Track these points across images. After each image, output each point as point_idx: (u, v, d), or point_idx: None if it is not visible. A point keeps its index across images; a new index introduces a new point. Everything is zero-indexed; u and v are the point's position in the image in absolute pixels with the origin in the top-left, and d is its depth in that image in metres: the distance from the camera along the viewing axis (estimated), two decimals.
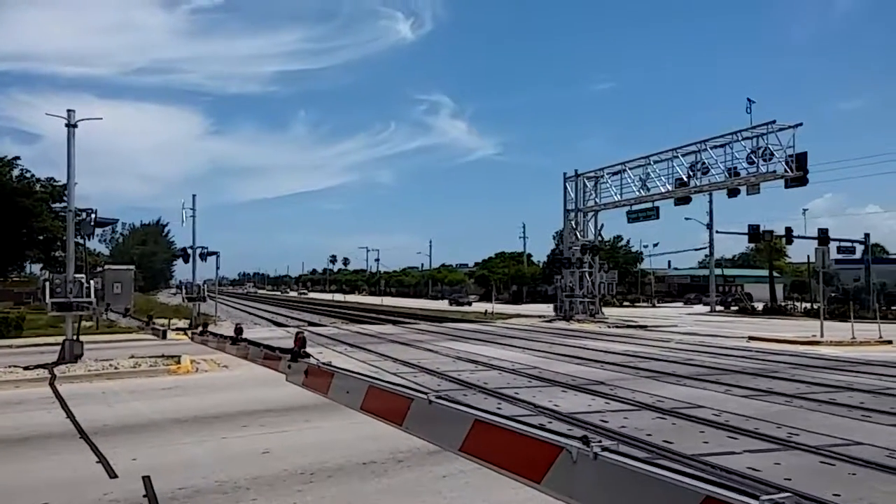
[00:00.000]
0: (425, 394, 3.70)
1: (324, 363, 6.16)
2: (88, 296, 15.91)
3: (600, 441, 2.47)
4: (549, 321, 39.94)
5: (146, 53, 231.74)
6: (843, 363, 17.66)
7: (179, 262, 40.47)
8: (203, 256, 34.52)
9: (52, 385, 13.13)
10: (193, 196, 34.47)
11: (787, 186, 32.02)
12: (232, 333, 18.28)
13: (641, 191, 38.40)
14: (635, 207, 40.13)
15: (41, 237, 46.67)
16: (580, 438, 2.55)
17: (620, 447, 2.29)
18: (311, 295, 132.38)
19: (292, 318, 54.57)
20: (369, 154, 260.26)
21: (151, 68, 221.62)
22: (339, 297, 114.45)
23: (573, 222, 43.51)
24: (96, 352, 17.17)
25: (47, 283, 15.83)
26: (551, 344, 23.43)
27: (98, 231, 21.33)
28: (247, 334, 18.77)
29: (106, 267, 47.75)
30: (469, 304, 68.63)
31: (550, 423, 9.19)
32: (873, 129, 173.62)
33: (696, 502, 1.98)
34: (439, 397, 3.68)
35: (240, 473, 6.86)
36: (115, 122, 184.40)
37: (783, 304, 56.89)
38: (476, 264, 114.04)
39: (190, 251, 34.18)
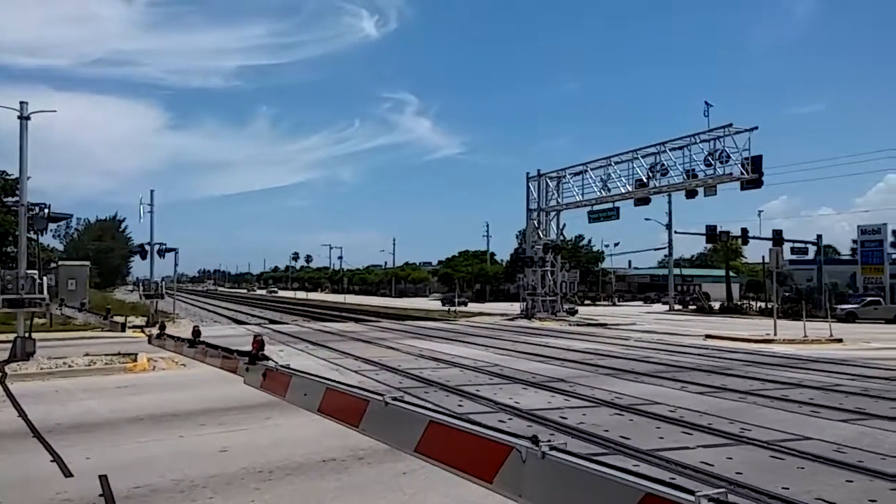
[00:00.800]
0: (381, 395, 3.71)
1: (282, 365, 6.11)
2: (41, 292, 15.53)
3: (549, 440, 2.52)
4: (512, 319, 40.25)
5: (104, 45, 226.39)
6: (795, 361, 18.16)
7: (137, 258, 39.87)
8: (161, 253, 33.91)
9: (2, 383, 12.78)
10: (151, 191, 33.95)
11: (743, 188, 32.76)
12: (190, 335, 17.94)
13: (602, 191, 38.91)
14: (596, 207, 40.64)
15: None
16: (529, 438, 2.61)
17: (568, 446, 2.35)
18: (258, 291, 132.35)
19: (253, 315, 54.00)
20: (333, 151, 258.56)
21: (109, 60, 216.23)
22: (301, 294, 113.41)
23: (536, 222, 43.87)
24: (50, 349, 16.76)
25: None
26: (513, 342, 23.61)
27: (52, 226, 20.80)
28: (207, 333, 18.45)
29: (60, 263, 46.59)
30: (465, 304, 63.32)
31: (511, 419, 9.31)
32: (827, 134, 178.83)
33: (637, 499, 2.06)
34: (395, 399, 3.70)
35: (197, 472, 6.79)
36: (72, 114, 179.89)
37: (739, 303, 58.26)
38: (440, 262, 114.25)
39: (148, 247, 33.57)
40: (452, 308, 48.13)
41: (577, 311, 45.59)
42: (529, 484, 2.61)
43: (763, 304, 51.61)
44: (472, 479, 2.90)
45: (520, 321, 38.96)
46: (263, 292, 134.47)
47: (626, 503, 2.07)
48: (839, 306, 44.64)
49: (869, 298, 44.39)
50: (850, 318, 42.64)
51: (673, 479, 5.13)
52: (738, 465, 7.05)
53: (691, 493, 1.97)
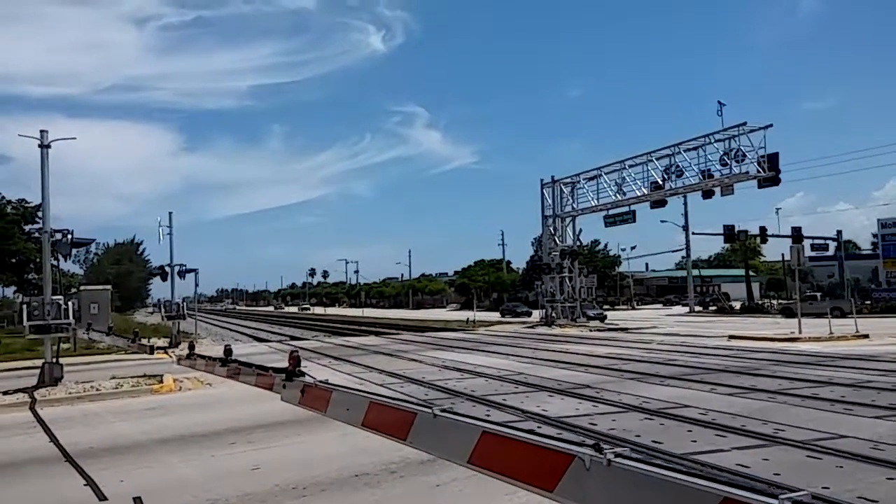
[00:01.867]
0: (430, 407, 3.70)
1: (320, 381, 6.11)
2: (67, 317, 15.67)
3: (613, 448, 2.49)
4: (531, 327, 40.09)
5: (117, 71, 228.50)
6: (823, 358, 17.93)
7: (156, 280, 40.18)
8: (181, 274, 34.15)
9: (32, 409, 12.89)
10: (170, 213, 34.14)
11: (759, 186, 32.52)
12: (218, 352, 18.04)
13: (618, 195, 38.76)
14: (612, 212, 40.49)
15: (13, 260, 45.95)
16: (592, 446, 2.58)
17: (633, 453, 2.31)
18: (287, 309, 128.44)
19: (273, 332, 54.20)
20: (345, 166, 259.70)
21: (122, 86, 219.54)
22: (319, 310, 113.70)
23: (551, 228, 43.77)
24: (76, 374, 16.91)
25: (24, 306, 15.57)
26: (535, 349, 23.51)
27: (72, 252, 21.02)
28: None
29: (82, 288, 47.14)
30: (528, 314, 55.90)
31: (540, 427, 9.23)
32: (842, 129, 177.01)
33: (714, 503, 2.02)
34: (444, 410, 3.68)
35: (231, 491, 6.79)
36: (87, 141, 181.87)
37: (760, 302, 57.74)
38: (456, 273, 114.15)
39: (168, 269, 33.81)
40: (471, 319, 48.01)
41: (605, 317, 45.32)
42: (594, 492, 2.58)
43: (784, 303, 51.09)
44: (532, 488, 2.88)
45: (540, 328, 38.80)
46: (294, 310, 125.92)
47: None
48: (776, 301, 45.33)
49: (808, 293, 44.09)
50: (785, 312, 44.00)
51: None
52: (775, 467, 6.95)
53: (773, 496, 1.93)
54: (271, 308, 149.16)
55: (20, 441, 10.02)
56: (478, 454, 3.29)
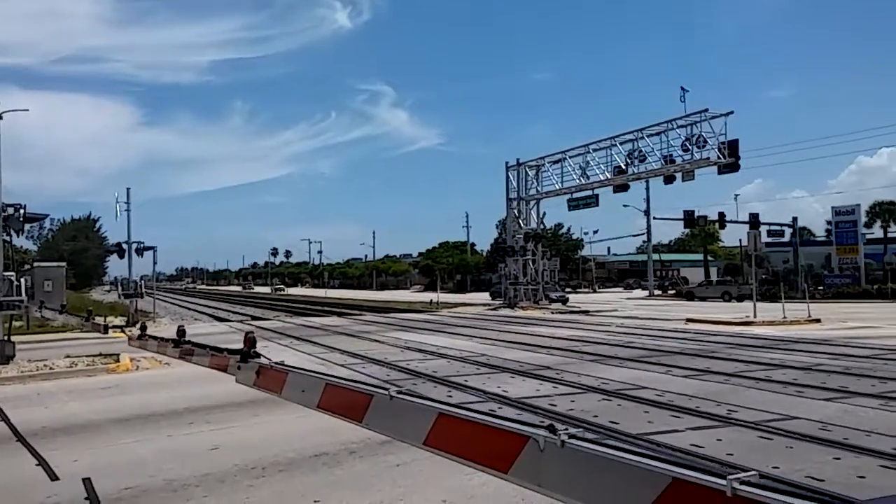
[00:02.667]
0: (386, 389, 3.69)
1: (276, 362, 6.04)
2: (19, 294, 15.26)
3: (567, 428, 2.51)
4: (494, 309, 40.35)
5: (73, 42, 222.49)
6: (777, 342, 18.40)
7: (113, 258, 39.43)
8: (139, 251, 33.46)
9: None
10: (127, 189, 33.41)
11: (720, 173, 33.04)
12: (174, 335, 17.69)
13: (581, 179, 39.05)
14: (576, 195, 40.77)
15: None
16: (547, 427, 2.59)
17: (587, 434, 2.34)
18: (257, 289, 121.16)
19: (234, 312, 53.62)
20: (310, 144, 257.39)
21: (79, 57, 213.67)
22: (266, 289, 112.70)
23: (516, 211, 43.95)
24: (29, 352, 16.50)
25: None
26: (498, 331, 23.66)
27: (26, 227, 20.41)
28: (190, 331, 18.33)
29: (35, 264, 45.85)
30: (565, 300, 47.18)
31: (500, 408, 9.31)
32: (800, 117, 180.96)
33: (664, 484, 2.05)
34: (400, 392, 3.67)
35: (188, 471, 6.72)
36: (42, 113, 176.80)
37: None
38: (420, 254, 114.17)
39: (125, 246, 33.11)
40: (434, 301, 48.11)
41: (567, 299, 45.79)
42: (548, 473, 2.60)
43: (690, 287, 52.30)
44: (487, 469, 2.89)
45: (502, 310, 39.07)
46: (265, 290, 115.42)
47: (652, 489, 2.06)
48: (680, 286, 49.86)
49: (705, 280, 51.59)
50: (689, 296, 51.02)
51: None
52: (728, 447, 7.13)
53: (722, 476, 1.97)
54: (238, 288, 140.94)
55: None
56: (434, 436, 3.30)
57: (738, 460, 6.43)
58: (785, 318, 25.36)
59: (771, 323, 24.71)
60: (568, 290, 61.88)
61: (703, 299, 48.42)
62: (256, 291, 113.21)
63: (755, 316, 25.95)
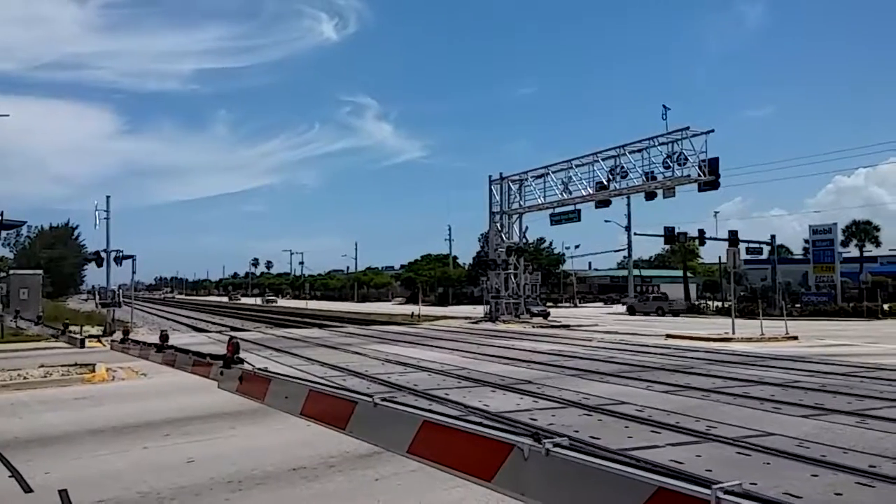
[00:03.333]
0: (370, 396, 3.66)
1: (260, 368, 5.99)
2: None
3: (552, 438, 2.50)
4: (476, 322, 40.32)
5: (55, 48, 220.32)
6: (755, 358, 18.55)
7: (91, 266, 38.81)
8: (118, 260, 33.08)
9: None
10: (107, 198, 33.09)
11: (700, 190, 33.41)
12: (155, 341, 17.53)
13: (564, 194, 39.27)
14: (558, 210, 40.98)
15: None
16: (531, 436, 2.59)
17: (572, 443, 2.33)
18: (244, 300, 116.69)
19: (213, 322, 53.09)
20: (293, 155, 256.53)
21: (61, 63, 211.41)
22: (261, 301, 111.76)
23: (498, 224, 44.07)
24: (2, 361, 16.24)
25: None
26: (479, 345, 23.65)
27: (2, 234, 20.13)
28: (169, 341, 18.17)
29: (11, 272, 45.18)
30: (680, 312, 51.46)
31: (481, 422, 9.28)
32: (778, 137, 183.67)
33: (648, 493, 2.04)
34: (385, 399, 3.66)
35: (163, 484, 6.61)
36: (22, 119, 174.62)
37: (697, 303, 59.38)
38: (402, 267, 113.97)
39: (103, 255, 32.73)
40: (416, 313, 48.00)
41: (549, 314, 45.92)
42: (533, 482, 2.59)
43: (720, 304, 52.71)
44: (471, 478, 2.88)
45: (484, 324, 39.06)
46: (254, 301, 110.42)
47: (637, 498, 2.06)
48: (712, 302, 51.65)
49: (653, 294, 54.70)
50: (630, 310, 55.38)
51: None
52: (707, 463, 7.16)
53: (707, 486, 1.97)
54: (223, 299, 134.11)
55: None
56: (418, 443, 3.28)
57: (717, 476, 6.44)
58: (763, 334, 25.59)
59: (749, 339, 24.92)
60: (549, 304, 62.12)
61: (644, 313, 52.53)
62: (242, 303, 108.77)
63: (734, 332, 26.17)
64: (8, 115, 16.11)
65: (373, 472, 6.79)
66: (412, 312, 49.85)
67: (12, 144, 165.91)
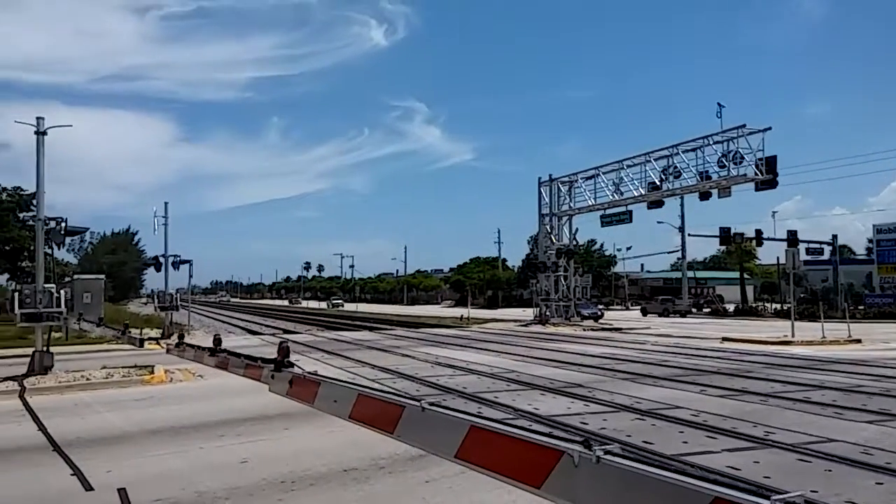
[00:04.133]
0: (418, 401, 3.65)
1: (309, 372, 6.05)
2: (59, 306, 15.59)
3: (603, 444, 2.45)
4: (525, 325, 40.08)
5: (116, 60, 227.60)
6: (815, 362, 17.95)
7: (150, 271, 40.18)
8: (175, 265, 34.07)
9: (21, 397, 12.82)
10: (165, 204, 34.12)
11: (757, 189, 32.54)
12: (209, 344, 17.94)
13: (615, 195, 38.75)
14: (609, 211, 40.46)
15: (7, 247, 45.70)
16: (581, 442, 2.53)
17: (624, 450, 2.27)
18: (306, 304, 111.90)
19: (266, 325, 54.08)
20: (343, 160, 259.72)
21: (121, 75, 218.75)
22: (313, 304, 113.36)
23: (548, 227, 43.75)
24: (67, 363, 16.84)
25: (16, 294, 15.49)
26: (528, 347, 23.50)
27: (66, 241, 20.92)
28: (223, 344, 18.55)
29: (75, 276, 46.87)
30: (686, 312, 55.17)
31: (531, 425, 9.21)
32: (840, 134, 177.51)
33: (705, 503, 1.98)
34: (432, 404, 3.64)
35: (218, 484, 6.75)
36: (84, 130, 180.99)
37: (754, 305, 57.84)
38: (451, 270, 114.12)
39: (162, 260, 33.73)
40: (465, 316, 47.96)
41: (602, 315, 45.41)
42: (583, 490, 2.54)
43: (778, 306, 51.25)
44: (519, 484, 2.83)
45: (533, 327, 38.79)
46: (322, 305, 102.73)
47: None
48: (770, 304, 50.18)
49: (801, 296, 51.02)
50: (643, 311, 57.89)
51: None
52: (765, 469, 6.94)
53: (766, 496, 1.89)
54: (281, 302, 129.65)
55: (8, 429, 9.95)
56: (465, 449, 3.24)
57: (776, 483, 6.27)
58: (824, 337, 24.74)
59: (810, 343, 24.13)
60: (600, 306, 61.37)
61: (657, 314, 55.34)
62: (304, 307, 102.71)
63: (793, 336, 25.37)
64: (71, 126, 16.69)
65: (423, 474, 6.81)
66: (461, 315, 49.85)
67: (76, 154, 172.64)
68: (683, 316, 53.80)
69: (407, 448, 7.31)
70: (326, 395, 5.01)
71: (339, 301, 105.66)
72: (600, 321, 42.48)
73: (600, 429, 9.04)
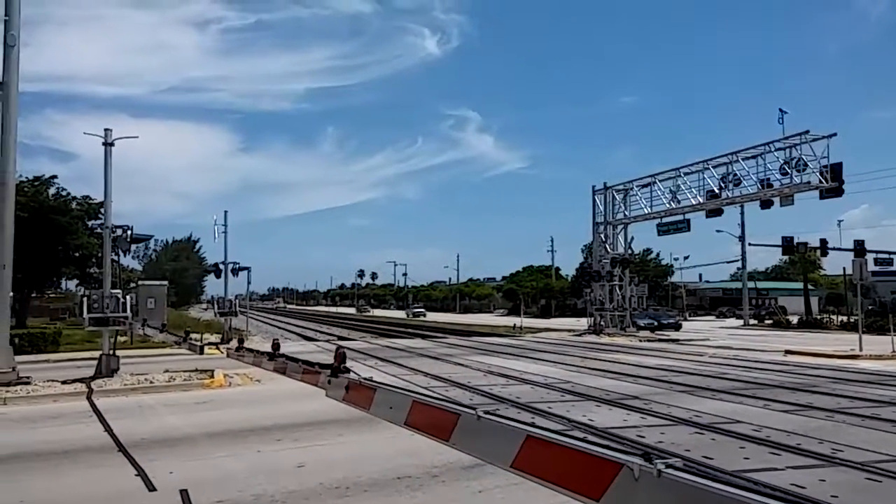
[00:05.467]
0: (473, 409, 3.64)
1: (365, 378, 6.12)
2: (124, 311, 16.16)
3: (664, 458, 2.39)
4: (579, 335, 39.60)
5: (178, 72, 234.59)
6: (885, 377, 17.20)
7: (210, 277, 41.17)
8: (235, 272, 34.97)
9: (89, 399, 13.32)
10: (225, 212, 35.12)
11: (821, 197, 31.43)
12: (268, 349, 18.38)
13: (672, 203, 37.99)
14: (665, 220, 39.66)
15: (76, 254, 47.52)
16: (642, 455, 2.48)
17: (686, 465, 2.20)
18: (379, 312, 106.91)
19: (321, 332, 54.89)
20: (397, 169, 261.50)
21: (183, 87, 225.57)
22: (408, 314, 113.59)
23: (602, 235, 43.20)
24: (131, 366, 17.42)
25: (85, 299, 16.12)
26: (582, 358, 23.20)
27: (132, 247, 21.69)
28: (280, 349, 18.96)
29: (140, 283, 48.58)
30: (677, 326, 47.86)
31: (586, 437, 9.08)
32: None
33: None
34: (488, 412, 3.63)
35: (275, 487, 6.86)
36: (148, 140, 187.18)
37: (819, 317, 55.76)
38: (504, 278, 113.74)
39: (222, 266, 34.65)
40: (518, 325, 47.69)
41: (681, 326, 44.20)
42: (643, 503, 2.49)
43: (845, 318, 49.28)
44: (577, 496, 2.80)
45: (588, 337, 38.30)
46: (402, 315, 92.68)
47: None
48: (836, 317, 46.82)
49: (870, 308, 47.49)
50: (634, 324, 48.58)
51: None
52: (832, 488, 6.68)
53: None
54: (343, 310, 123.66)
55: (77, 430, 10.34)
56: (522, 458, 3.21)
57: (844, 503, 6.02)
58: (894, 352, 23.69)
59: (879, 357, 23.14)
60: (678, 317, 59.47)
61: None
62: (375, 315, 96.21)
63: (861, 349, 24.38)
64: (137, 137, 17.32)
65: (476, 484, 6.77)
66: (514, 324, 49.59)
67: (140, 164, 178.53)
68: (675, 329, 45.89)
69: (460, 457, 7.31)
70: (382, 402, 5.07)
71: (422, 310, 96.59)
72: (658, 333, 41.63)
73: (658, 442, 8.84)
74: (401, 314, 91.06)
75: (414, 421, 3.83)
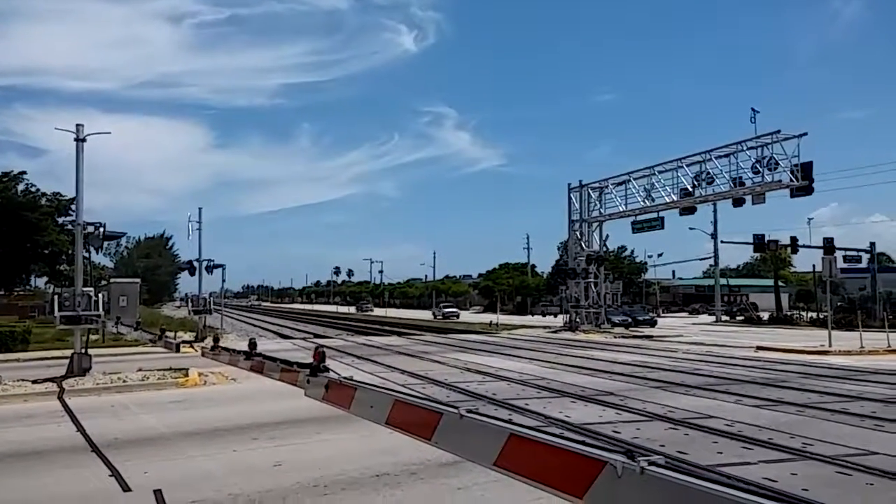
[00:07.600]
0: (455, 407, 3.66)
1: (345, 377, 6.09)
2: (96, 309, 15.92)
3: (646, 455, 2.43)
4: (555, 332, 39.84)
5: (151, 67, 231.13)
6: (853, 372, 17.57)
7: (184, 274, 40.85)
8: (209, 269, 34.59)
9: (60, 398, 13.10)
10: (199, 209, 34.71)
11: (792, 196, 31.95)
12: (243, 347, 18.21)
13: (646, 201, 38.37)
14: (640, 217, 40.06)
15: (46, 251, 46.79)
16: (624, 452, 2.52)
17: (668, 462, 2.24)
18: (313, 306, 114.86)
19: (297, 330, 54.54)
20: (373, 165, 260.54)
21: (156, 82, 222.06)
22: (343, 308, 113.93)
23: (578, 233, 43.49)
24: (104, 365, 17.15)
25: (56, 297, 15.86)
26: (558, 354, 23.36)
27: (104, 244, 21.38)
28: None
29: (112, 280, 47.90)
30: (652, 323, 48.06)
31: (563, 434, 9.15)
32: (878, 139, 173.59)
33: None
34: (470, 411, 3.64)
35: (251, 486, 6.83)
36: (120, 136, 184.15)
37: (789, 313, 56.74)
38: (480, 275, 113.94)
39: (196, 264, 34.25)
40: (494, 322, 47.85)
41: (656, 322, 44.66)
42: (626, 501, 2.52)
43: (814, 315, 50.20)
44: (560, 494, 2.82)
45: (563, 334, 38.54)
46: (350, 310, 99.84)
47: None
48: (805, 313, 47.96)
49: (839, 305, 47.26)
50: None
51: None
52: (803, 482, 6.81)
53: None
54: (337, 308, 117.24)
55: (49, 430, 10.18)
56: (505, 456, 3.24)
57: (815, 496, 6.13)
58: (862, 347, 24.19)
59: (847, 353, 23.61)
60: (652, 313, 59.98)
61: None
62: (374, 315, 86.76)
63: (830, 345, 24.85)
64: (109, 133, 17.06)
65: (455, 481, 6.80)
66: (490, 321, 49.71)
67: (113, 160, 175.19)
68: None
69: (438, 455, 7.32)
70: (363, 401, 5.06)
71: (370, 305, 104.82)
72: (631, 329, 42.03)
73: (633, 438, 8.94)
74: (396, 313, 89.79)
75: (395, 420, 3.83)
